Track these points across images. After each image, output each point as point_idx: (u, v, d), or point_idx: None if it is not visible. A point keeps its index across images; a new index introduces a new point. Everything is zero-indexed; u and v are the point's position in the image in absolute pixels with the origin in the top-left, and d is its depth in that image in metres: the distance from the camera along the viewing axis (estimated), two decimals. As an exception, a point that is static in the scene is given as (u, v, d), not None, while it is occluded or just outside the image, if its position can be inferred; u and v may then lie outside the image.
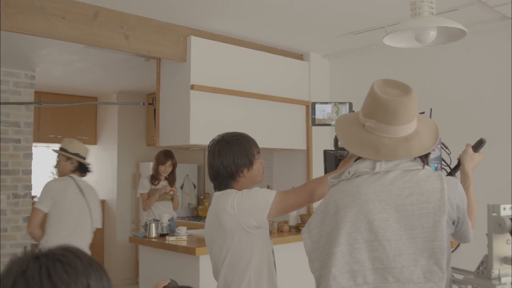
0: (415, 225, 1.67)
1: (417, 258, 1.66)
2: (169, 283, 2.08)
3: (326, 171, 2.20)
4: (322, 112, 2.38)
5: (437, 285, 1.63)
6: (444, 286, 1.65)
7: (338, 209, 1.77)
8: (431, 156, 1.96)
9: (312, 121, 2.40)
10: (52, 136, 7.23)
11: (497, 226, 1.60)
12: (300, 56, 5.40)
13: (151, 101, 7.07)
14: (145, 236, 4.42)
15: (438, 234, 1.65)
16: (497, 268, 1.63)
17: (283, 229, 4.73)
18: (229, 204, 2.26)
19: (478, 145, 2.10)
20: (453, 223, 1.76)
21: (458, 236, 1.83)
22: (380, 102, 1.73)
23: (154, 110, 4.65)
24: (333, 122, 2.37)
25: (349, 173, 1.81)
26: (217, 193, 2.40)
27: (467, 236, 1.83)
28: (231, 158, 2.30)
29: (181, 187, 6.89)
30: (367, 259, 1.69)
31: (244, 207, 2.23)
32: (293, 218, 4.99)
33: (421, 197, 1.68)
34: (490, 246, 1.63)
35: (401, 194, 1.70)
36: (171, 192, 5.26)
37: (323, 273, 1.77)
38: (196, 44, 4.38)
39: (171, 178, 5.40)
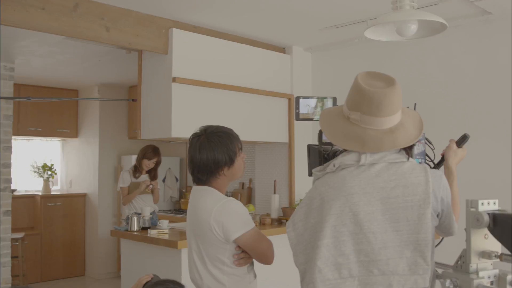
0: (400, 217, 1.68)
1: (402, 251, 1.66)
2: (151, 278, 2.08)
3: (309, 166, 2.20)
4: (306, 106, 2.37)
5: (421, 277, 1.65)
6: (429, 278, 1.66)
7: (323, 202, 1.77)
8: (415, 151, 1.97)
9: (296, 115, 2.39)
10: (32, 129, 7.16)
11: (475, 221, 1.61)
12: (282, 49, 5.39)
13: (132, 94, 7.06)
14: (126, 230, 4.40)
15: (423, 226, 1.66)
16: (475, 262, 1.64)
17: (265, 222, 4.74)
18: (206, 210, 2.26)
19: (461, 141, 2.10)
20: (437, 215, 1.76)
21: (442, 229, 1.84)
22: (364, 94, 1.73)
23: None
24: (316, 117, 2.36)
25: (334, 165, 1.81)
26: (196, 188, 2.39)
27: (450, 229, 1.84)
28: (211, 156, 2.28)
29: (163, 180, 6.87)
30: (352, 251, 1.70)
31: (220, 221, 2.23)
32: (275, 211, 5.01)
33: (406, 190, 1.69)
34: (468, 240, 1.64)
35: (386, 187, 1.70)
36: (151, 186, 5.27)
37: (308, 266, 1.76)
38: (178, 36, 4.35)
39: (152, 174, 5.40)
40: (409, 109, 1.90)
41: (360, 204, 1.70)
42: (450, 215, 1.80)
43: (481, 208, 1.63)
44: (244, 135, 4.89)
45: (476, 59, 4.26)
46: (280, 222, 4.89)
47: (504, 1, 3.74)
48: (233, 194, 6.00)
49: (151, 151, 5.29)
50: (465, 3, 3.84)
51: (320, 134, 2.10)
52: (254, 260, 2.39)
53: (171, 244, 3.86)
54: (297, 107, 2.35)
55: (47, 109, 7.29)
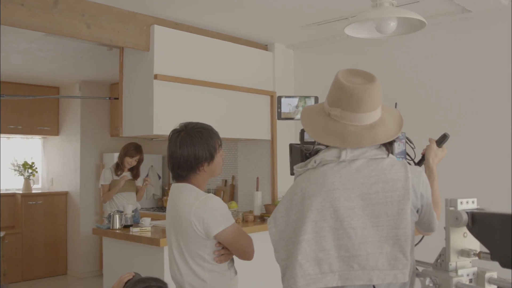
0: (380, 213, 1.69)
1: (382, 246, 1.67)
2: (133, 276, 2.07)
3: (291, 165, 2.21)
4: (288, 106, 2.38)
5: (401, 272, 1.66)
6: (408, 273, 1.67)
7: (304, 198, 1.78)
8: (396, 151, 1.98)
9: (278, 115, 2.40)
10: (12, 127, 7.08)
11: (454, 220, 1.62)
12: (264, 46, 5.40)
13: (114, 91, 7.01)
14: (108, 228, 4.37)
15: (403, 222, 1.67)
16: (454, 261, 1.66)
17: (248, 219, 4.74)
18: (186, 207, 2.27)
19: (441, 140, 2.11)
20: (417, 211, 1.78)
21: (422, 225, 1.85)
22: (345, 90, 1.74)
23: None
24: (298, 116, 2.37)
25: (315, 162, 1.82)
26: (176, 185, 2.40)
27: (430, 225, 1.85)
28: (192, 151, 2.29)
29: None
30: (332, 247, 1.70)
31: (200, 217, 2.24)
32: (258, 208, 5.01)
33: (386, 186, 1.70)
34: (447, 239, 1.66)
35: (366, 183, 1.71)
36: (146, 182, 5.31)
37: (289, 262, 1.77)
38: (160, 33, 4.33)
39: (134, 172, 5.39)
40: (389, 106, 1.92)
41: (341, 200, 1.71)
42: (429, 211, 1.81)
43: (460, 207, 1.64)
44: (226, 132, 4.89)
45: (456, 56, 4.30)
46: (262, 219, 4.90)
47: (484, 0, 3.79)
48: (216, 191, 5.99)
49: (133, 148, 5.27)
50: (445, 1, 3.87)
51: (302, 133, 2.11)
52: (235, 256, 2.40)
53: (153, 242, 3.85)
54: (279, 106, 2.36)
55: (28, 106, 7.21)
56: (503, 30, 4.03)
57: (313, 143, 2.06)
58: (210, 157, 2.34)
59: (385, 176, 1.72)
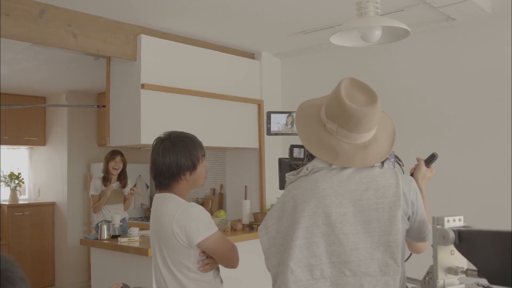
0: (371, 219, 1.70)
1: (373, 252, 1.68)
2: (121, 287, 2.06)
3: (280, 180, 2.21)
4: (277, 124, 2.37)
5: (392, 278, 1.67)
6: (399, 279, 1.68)
7: (296, 204, 1.78)
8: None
9: (267, 130, 2.39)
10: (-2, 137, 7.03)
11: (441, 238, 1.64)
12: (251, 55, 5.42)
13: (101, 101, 6.99)
14: (96, 238, 4.35)
15: (394, 228, 1.68)
16: (442, 278, 1.67)
17: (236, 228, 4.74)
18: (168, 216, 2.27)
19: (430, 160, 2.11)
20: (408, 218, 1.79)
21: (412, 234, 1.86)
22: (344, 110, 1.73)
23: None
24: (286, 131, 2.36)
25: (307, 169, 1.83)
26: (158, 195, 2.40)
27: (421, 234, 1.86)
28: (174, 159, 2.30)
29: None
30: (324, 253, 1.71)
31: (182, 226, 2.24)
32: (246, 216, 5.01)
33: (377, 192, 1.71)
34: (435, 257, 1.67)
35: (358, 189, 1.73)
36: (132, 191, 5.28)
37: (280, 269, 1.77)
38: (147, 42, 4.34)
39: (122, 178, 5.35)
40: (383, 117, 1.91)
41: (333, 206, 1.72)
42: (420, 218, 1.82)
43: (446, 225, 1.66)
44: (214, 141, 4.88)
45: (441, 64, 4.34)
46: (251, 227, 4.89)
47: (467, 8, 3.84)
48: (204, 200, 5.98)
49: (111, 152, 5.29)
50: (429, 9, 3.91)
51: (291, 149, 2.10)
52: (220, 266, 2.40)
53: (141, 251, 3.84)
54: (268, 122, 2.35)
55: (14, 116, 7.16)
56: (487, 37, 4.08)
57: (302, 159, 2.06)
58: (192, 166, 2.34)
59: (376, 183, 1.73)
